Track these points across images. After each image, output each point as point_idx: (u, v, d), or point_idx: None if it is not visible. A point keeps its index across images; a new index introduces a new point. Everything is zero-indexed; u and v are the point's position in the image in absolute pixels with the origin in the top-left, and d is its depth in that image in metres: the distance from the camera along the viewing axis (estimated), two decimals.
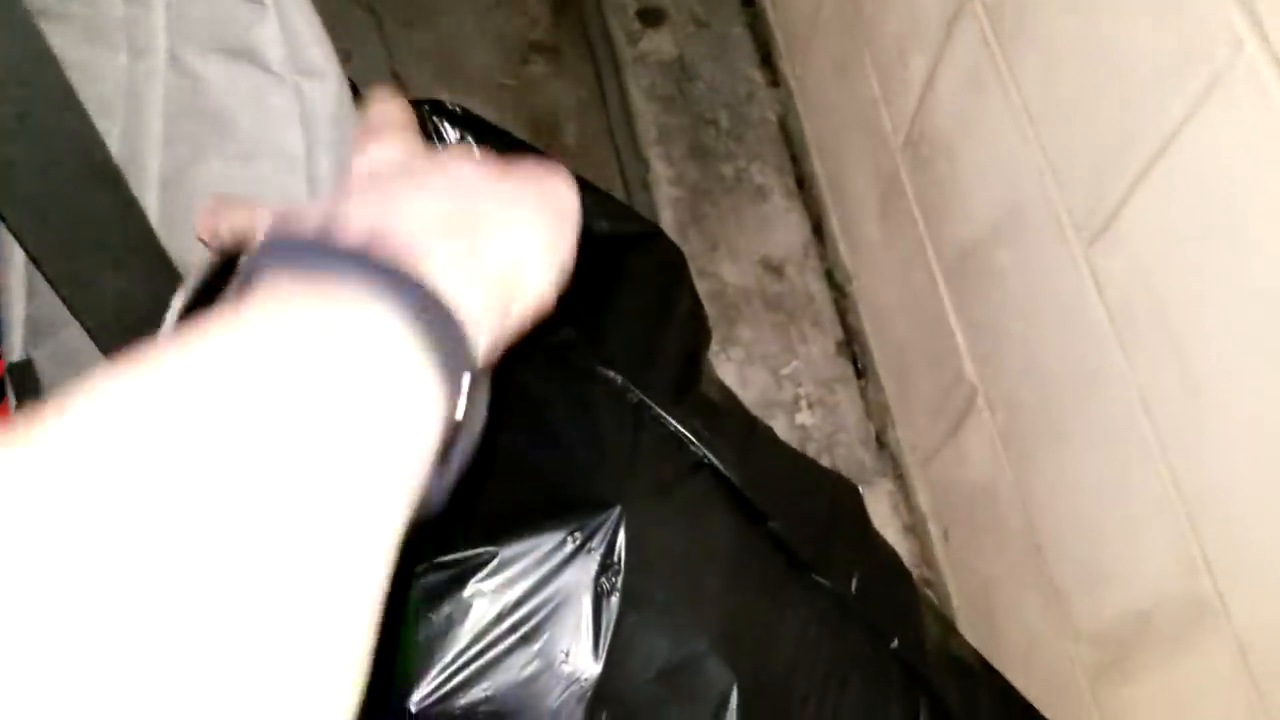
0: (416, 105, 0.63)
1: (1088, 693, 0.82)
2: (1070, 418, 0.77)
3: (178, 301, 0.40)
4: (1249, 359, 0.59)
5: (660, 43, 1.36)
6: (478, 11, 1.49)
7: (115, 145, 0.48)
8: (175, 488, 0.20)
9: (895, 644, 0.72)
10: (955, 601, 1.07)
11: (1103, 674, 0.80)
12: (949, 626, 0.81)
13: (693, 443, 0.70)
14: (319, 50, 0.47)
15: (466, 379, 0.30)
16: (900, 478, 1.16)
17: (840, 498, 0.79)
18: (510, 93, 1.47)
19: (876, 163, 1.08)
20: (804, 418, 1.18)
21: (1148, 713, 0.75)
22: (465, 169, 0.36)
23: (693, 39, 1.37)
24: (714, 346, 1.21)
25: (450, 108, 0.79)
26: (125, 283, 0.46)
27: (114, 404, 0.22)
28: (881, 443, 1.18)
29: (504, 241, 0.34)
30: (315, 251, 0.30)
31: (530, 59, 1.48)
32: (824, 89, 1.23)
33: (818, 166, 1.28)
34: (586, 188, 0.83)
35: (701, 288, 1.26)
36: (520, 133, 0.89)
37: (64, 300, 0.47)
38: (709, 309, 1.24)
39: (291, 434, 0.23)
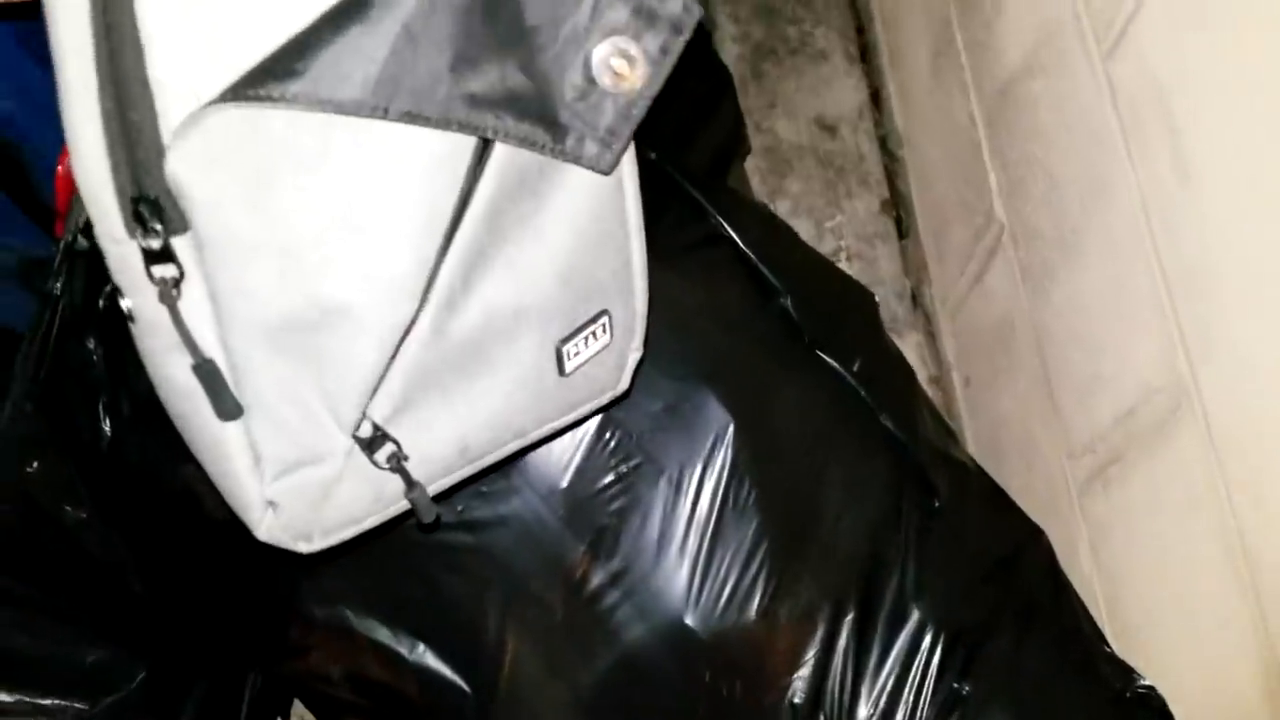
0: None
1: (1076, 507, 0.87)
2: (1080, 232, 0.81)
3: None
4: (1238, 148, 0.63)
5: None
6: None
7: None
8: None
9: (889, 424, 0.77)
10: (971, 448, 1.11)
11: (1090, 485, 0.84)
12: (949, 431, 0.86)
13: (714, 215, 0.76)
14: None
15: None
16: (930, 333, 1.21)
17: (855, 296, 0.85)
18: None
19: (931, 16, 1.11)
20: (843, 268, 1.22)
21: (1126, 516, 0.80)
22: None
23: None
24: (763, 197, 1.26)
25: None
26: None
27: None
28: (915, 298, 1.22)
29: None
30: None
31: None
32: None
33: (880, 35, 1.31)
34: None
35: (757, 142, 1.31)
36: None
37: None
38: (762, 163, 1.29)
39: None
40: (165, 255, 0.41)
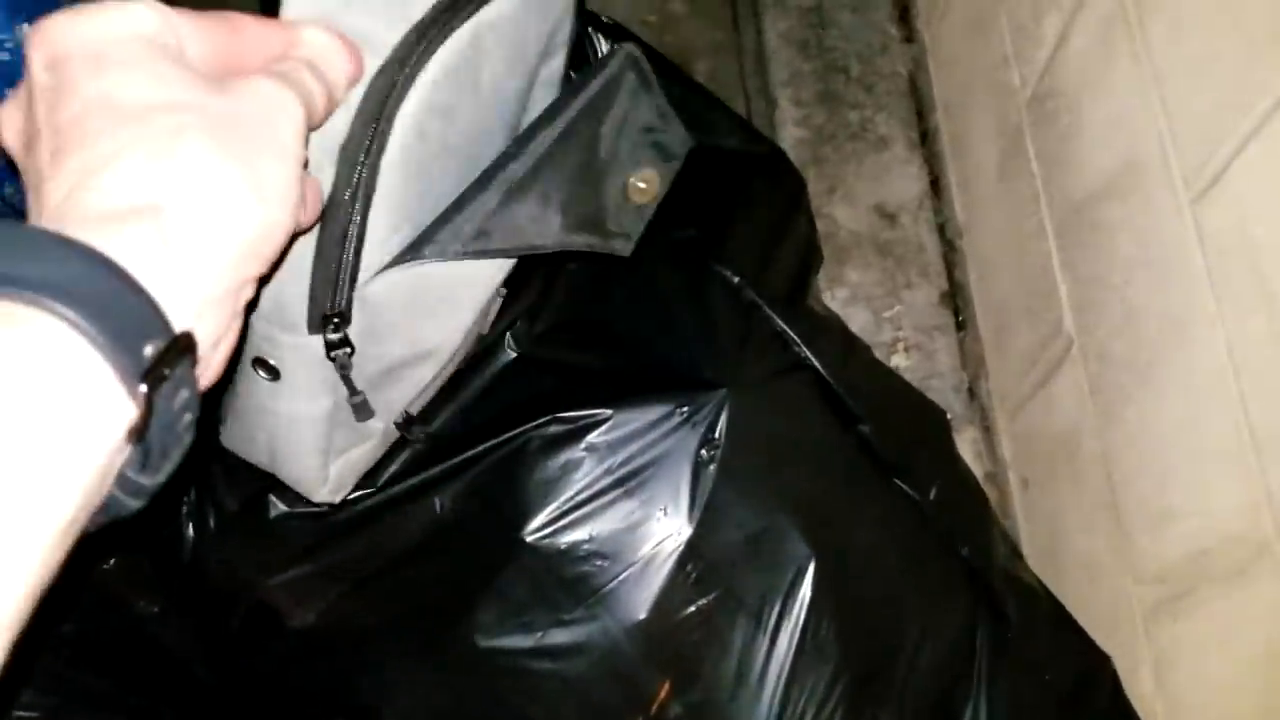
0: None
1: (1141, 631, 0.87)
2: (1158, 366, 0.81)
3: None
4: None
5: None
6: None
7: None
8: None
9: (965, 552, 0.77)
10: (1026, 550, 1.11)
11: (1157, 612, 0.84)
12: (1016, 552, 0.87)
13: (797, 343, 0.76)
14: None
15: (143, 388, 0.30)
16: (987, 428, 1.21)
17: (929, 418, 0.85)
18: (648, 29, 1.53)
19: (1001, 119, 1.11)
20: (900, 359, 1.23)
21: (1196, 649, 0.80)
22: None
23: None
24: (821, 284, 1.26)
25: (606, 20, 0.83)
26: None
27: None
28: (973, 392, 1.22)
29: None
30: None
31: None
32: (957, 47, 1.27)
33: (942, 122, 1.31)
34: (718, 106, 0.89)
35: (818, 227, 1.31)
36: None
37: None
38: (822, 249, 1.29)
39: None
40: (344, 343, 0.54)
